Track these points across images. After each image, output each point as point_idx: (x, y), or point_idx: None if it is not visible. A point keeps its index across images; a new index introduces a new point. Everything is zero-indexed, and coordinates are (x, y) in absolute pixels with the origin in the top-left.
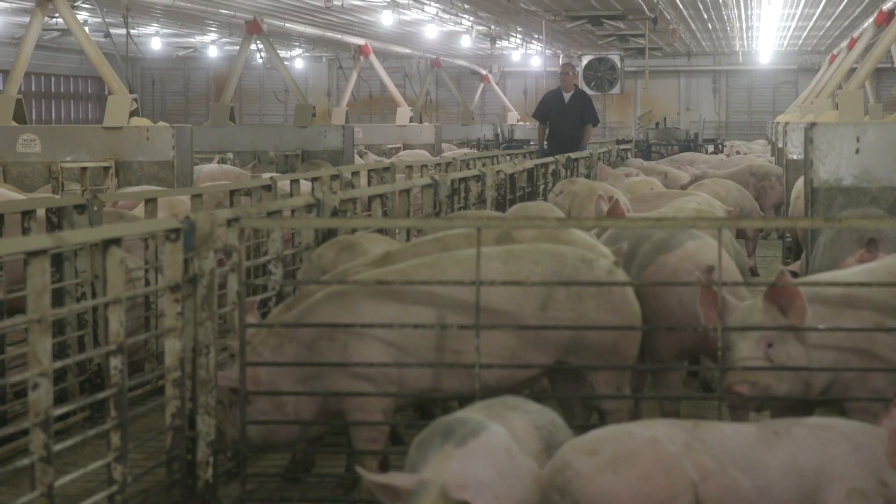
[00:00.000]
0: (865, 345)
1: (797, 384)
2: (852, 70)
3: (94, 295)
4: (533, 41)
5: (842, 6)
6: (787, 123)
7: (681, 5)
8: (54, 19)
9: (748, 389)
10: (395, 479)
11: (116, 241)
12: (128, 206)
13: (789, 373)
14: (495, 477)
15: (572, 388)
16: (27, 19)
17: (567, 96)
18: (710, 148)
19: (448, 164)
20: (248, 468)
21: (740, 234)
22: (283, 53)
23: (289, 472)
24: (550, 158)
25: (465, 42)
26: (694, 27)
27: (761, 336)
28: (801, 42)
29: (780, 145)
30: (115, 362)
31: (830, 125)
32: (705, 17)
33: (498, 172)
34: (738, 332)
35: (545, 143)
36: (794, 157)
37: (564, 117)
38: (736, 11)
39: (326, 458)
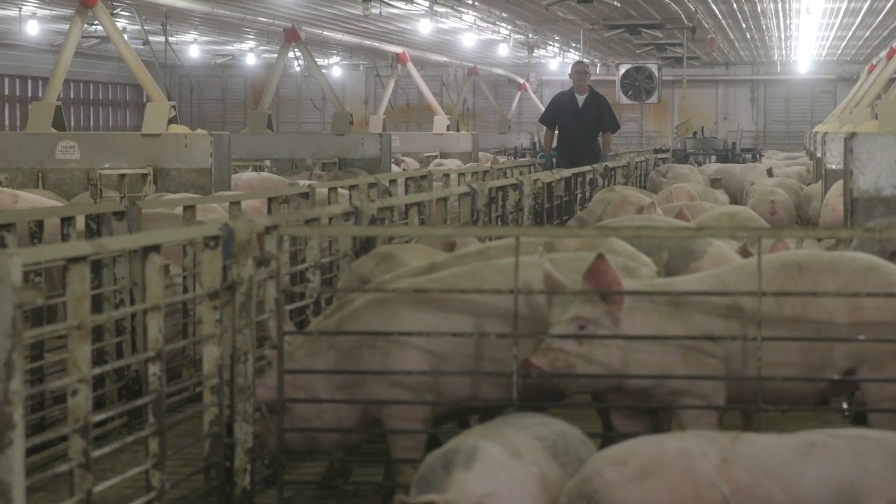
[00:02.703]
0: (693, 350)
1: (604, 370)
2: (892, 80)
3: (132, 301)
4: (571, 50)
5: (881, 16)
6: (825, 133)
7: (719, 15)
8: (93, 27)
9: (546, 364)
10: (431, 497)
11: (155, 248)
12: None
13: (597, 358)
14: (503, 490)
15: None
16: (67, 26)
17: (581, 99)
18: (748, 157)
19: (486, 172)
20: (286, 476)
21: None
22: (320, 61)
23: (326, 479)
24: (588, 168)
25: (503, 51)
26: (732, 37)
27: (575, 316)
28: (839, 52)
29: (819, 155)
30: (154, 369)
31: (871, 135)
32: (743, 26)
33: (535, 181)
34: (558, 310)
35: (552, 152)
36: (833, 167)
37: (577, 123)
38: (774, 21)
39: (364, 466)
